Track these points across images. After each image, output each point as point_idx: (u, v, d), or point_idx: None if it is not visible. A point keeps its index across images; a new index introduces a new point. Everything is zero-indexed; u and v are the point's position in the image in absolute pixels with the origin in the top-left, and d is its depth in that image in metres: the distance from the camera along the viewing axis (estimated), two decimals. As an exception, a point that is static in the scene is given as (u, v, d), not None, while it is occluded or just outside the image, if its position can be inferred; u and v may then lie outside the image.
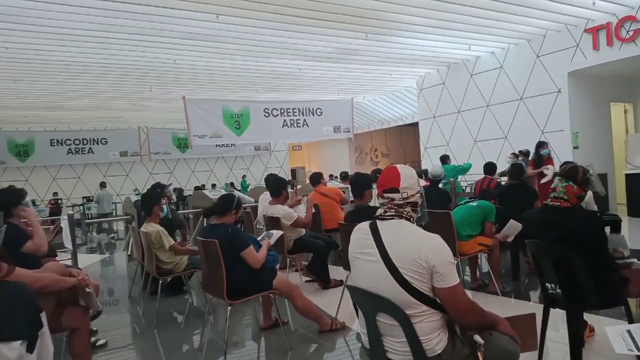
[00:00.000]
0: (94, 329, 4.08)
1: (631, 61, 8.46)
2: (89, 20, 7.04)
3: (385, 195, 2.02)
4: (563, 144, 9.34)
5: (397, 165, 2.09)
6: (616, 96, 10.21)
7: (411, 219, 2.01)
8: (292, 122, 10.82)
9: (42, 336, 1.44)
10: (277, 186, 5.47)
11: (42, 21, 6.96)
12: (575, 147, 9.31)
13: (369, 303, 1.99)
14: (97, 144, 19.09)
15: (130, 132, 19.43)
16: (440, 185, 6.23)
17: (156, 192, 5.34)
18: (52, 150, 18.30)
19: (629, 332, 2.02)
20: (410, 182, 2.02)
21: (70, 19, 6.95)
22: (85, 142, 18.90)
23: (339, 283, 5.11)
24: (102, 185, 16.00)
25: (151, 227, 4.61)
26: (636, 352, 1.93)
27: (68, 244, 4.43)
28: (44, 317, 1.45)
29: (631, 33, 8.16)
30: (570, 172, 2.74)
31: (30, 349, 1.38)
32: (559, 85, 9.44)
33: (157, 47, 8.67)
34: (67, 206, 17.10)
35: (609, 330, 2.08)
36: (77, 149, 18.79)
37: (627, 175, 8.80)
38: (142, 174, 19.83)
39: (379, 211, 2.05)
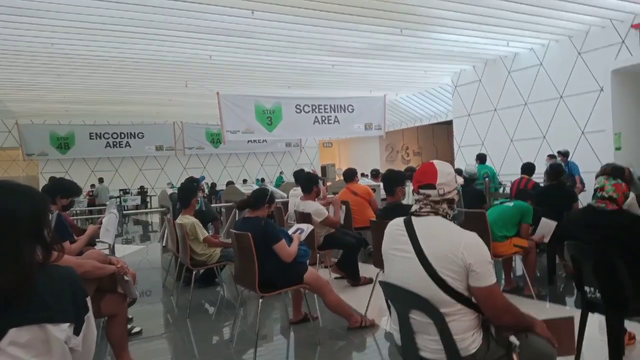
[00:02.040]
0: (130, 316, 4.20)
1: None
2: (127, 15, 7.23)
3: (421, 191, 2.00)
4: (604, 145, 8.99)
5: (435, 161, 2.06)
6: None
7: (447, 216, 1.99)
8: (323, 118, 10.83)
9: (87, 320, 1.49)
10: (308, 182, 5.49)
11: (86, 17, 7.18)
12: (618, 149, 8.94)
13: (402, 300, 1.98)
14: (134, 138, 19.63)
15: (165, 126, 19.88)
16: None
17: (193, 185, 5.46)
18: (91, 143, 18.93)
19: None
20: (447, 178, 1.99)
21: (111, 15, 7.16)
22: (122, 136, 19.47)
23: (369, 281, 5.10)
24: (100, 180, 17.19)
25: (186, 219, 4.71)
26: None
27: (109, 239, 4.11)
28: (89, 301, 1.50)
29: (682, 29, 7.77)
30: (616, 170, 2.67)
31: (77, 331, 1.43)
32: (601, 84, 9.08)
33: (193, 42, 8.81)
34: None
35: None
36: (114, 143, 19.37)
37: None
38: (176, 168, 20.28)
39: (414, 207, 2.03)
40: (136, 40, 8.52)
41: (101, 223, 4.18)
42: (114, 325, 3.07)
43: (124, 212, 15.16)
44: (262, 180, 17.81)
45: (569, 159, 8.37)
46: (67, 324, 1.36)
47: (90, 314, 1.48)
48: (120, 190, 19.06)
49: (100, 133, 19.10)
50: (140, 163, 20.20)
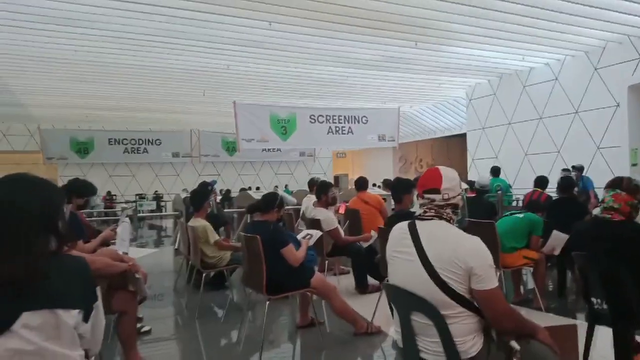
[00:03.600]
0: (140, 316, 4.27)
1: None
2: (148, 25, 7.44)
3: (426, 195, 2.03)
4: (620, 161, 8.89)
5: (440, 167, 2.10)
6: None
7: (451, 221, 2.01)
8: (337, 129, 10.88)
9: (96, 308, 1.55)
10: (318, 190, 5.57)
11: (109, 26, 7.41)
12: (634, 165, 8.83)
13: (404, 301, 2.00)
14: (152, 144, 19.93)
15: (182, 134, 20.17)
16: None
17: (207, 189, 5.56)
18: (110, 148, 19.28)
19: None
20: (452, 183, 2.02)
21: (133, 24, 7.37)
22: (140, 142, 19.78)
23: (376, 288, 5.10)
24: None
25: (198, 222, 4.80)
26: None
27: (124, 248, 3.91)
28: (98, 291, 1.57)
29: (701, 46, 7.69)
30: (613, 181, 2.68)
31: (86, 318, 1.49)
32: (617, 99, 9.01)
33: (211, 53, 9.01)
34: (119, 202, 17.94)
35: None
36: (132, 149, 19.69)
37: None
38: (191, 174, 20.50)
39: (419, 211, 2.06)
40: (156, 50, 8.73)
41: (115, 230, 4.23)
42: (124, 322, 3.14)
43: (139, 215, 15.34)
44: (276, 187, 17.93)
45: (583, 174, 8.28)
46: (77, 310, 1.43)
47: (99, 303, 1.54)
48: (136, 195, 19.31)
49: (119, 139, 19.44)
50: (157, 169, 20.50)
